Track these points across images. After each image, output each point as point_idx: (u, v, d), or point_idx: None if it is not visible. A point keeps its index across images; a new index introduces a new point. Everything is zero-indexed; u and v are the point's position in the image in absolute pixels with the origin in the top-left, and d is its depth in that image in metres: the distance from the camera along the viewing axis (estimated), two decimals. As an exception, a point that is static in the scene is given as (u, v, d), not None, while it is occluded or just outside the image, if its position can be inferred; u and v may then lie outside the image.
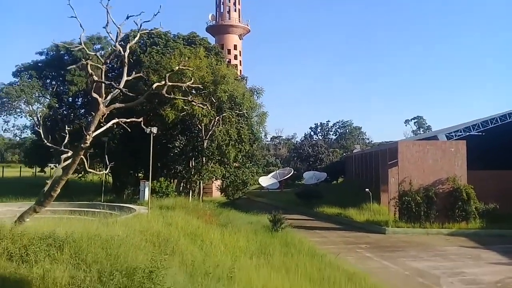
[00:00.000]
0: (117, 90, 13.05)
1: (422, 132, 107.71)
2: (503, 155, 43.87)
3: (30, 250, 12.19)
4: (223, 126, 37.63)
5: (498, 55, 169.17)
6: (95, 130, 13.55)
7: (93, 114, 14.21)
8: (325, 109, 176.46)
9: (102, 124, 13.76)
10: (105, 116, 13.47)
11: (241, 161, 42.61)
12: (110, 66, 47.99)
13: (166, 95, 13.51)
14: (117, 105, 12.67)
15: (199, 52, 38.36)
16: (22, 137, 51.87)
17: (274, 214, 28.87)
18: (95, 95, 12.54)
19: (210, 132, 36.99)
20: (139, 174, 44.98)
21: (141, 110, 37.93)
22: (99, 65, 12.54)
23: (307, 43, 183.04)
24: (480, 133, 41.67)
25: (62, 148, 14.03)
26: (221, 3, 77.88)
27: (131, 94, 11.95)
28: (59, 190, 14.20)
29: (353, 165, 72.26)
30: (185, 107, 31.46)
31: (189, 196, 37.55)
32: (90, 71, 12.00)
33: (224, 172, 40.42)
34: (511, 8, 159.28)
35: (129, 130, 16.23)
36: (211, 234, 22.69)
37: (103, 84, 12.81)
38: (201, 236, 21.97)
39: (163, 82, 12.77)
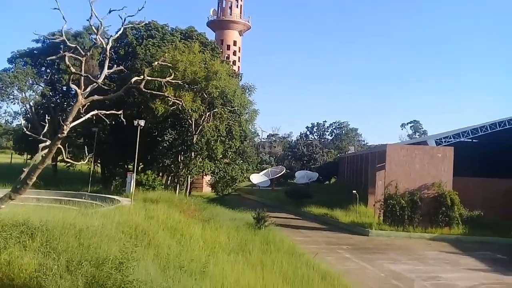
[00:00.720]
0: (95, 83, 13.18)
1: (417, 137, 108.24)
2: (492, 163, 44.25)
3: (1, 237, 12.34)
4: (213, 122, 37.79)
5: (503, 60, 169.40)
6: (73, 121, 13.69)
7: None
8: (322, 109, 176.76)
9: (81, 115, 13.91)
10: (85, 107, 13.63)
11: (231, 157, 42.74)
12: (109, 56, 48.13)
13: (143, 89, 13.65)
14: (96, 97, 12.81)
15: (194, 47, 38.47)
16: (14, 124, 51.93)
17: (258, 212, 29.05)
18: (73, 86, 12.71)
19: (200, 127, 37.15)
20: (129, 166, 45.10)
21: (132, 102, 38.08)
22: (79, 57, 12.69)
23: (308, 42, 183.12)
24: (471, 140, 42.00)
25: (41, 137, 14.18)
26: (223, -2, 77.86)
27: (106, 88, 12.09)
28: (35, 178, 14.35)
29: (345, 166, 72.55)
30: (175, 101, 31.55)
31: (176, 190, 37.72)
32: (67, 63, 12.16)
33: (213, 168, 40.59)
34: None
35: (124, 122, 16.39)
36: (192, 228, 22.87)
37: (82, 77, 12.95)
38: (181, 230, 22.14)
39: (142, 77, 12.92)
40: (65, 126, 13.28)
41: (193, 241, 21.16)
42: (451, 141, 40.04)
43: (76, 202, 26.73)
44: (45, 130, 14.98)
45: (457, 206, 35.08)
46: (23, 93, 43.30)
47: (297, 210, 46.50)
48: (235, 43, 76.57)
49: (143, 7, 13.66)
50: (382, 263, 24.96)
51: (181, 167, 38.00)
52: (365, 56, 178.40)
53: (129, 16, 12.71)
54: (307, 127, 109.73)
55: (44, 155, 14.14)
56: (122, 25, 14.02)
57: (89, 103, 13.45)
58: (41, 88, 45.73)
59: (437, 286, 20.81)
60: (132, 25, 34.35)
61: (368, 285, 20.01)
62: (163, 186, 36.97)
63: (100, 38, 12.58)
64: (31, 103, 43.04)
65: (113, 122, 35.24)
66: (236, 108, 38.39)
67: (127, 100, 37.06)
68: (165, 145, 37.07)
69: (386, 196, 36.03)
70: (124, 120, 14.93)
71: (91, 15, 12.46)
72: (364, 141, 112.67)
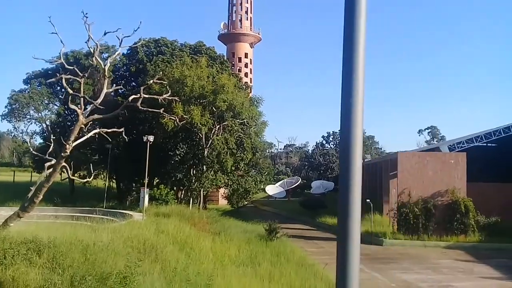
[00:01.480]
0: (96, 102, 13.57)
1: (435, 142, 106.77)
2: (509, 167, 43.42)
3: (8, 254, 12.72)
4: (223, 134, 38.18)
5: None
6: (75, 140, 14.09)
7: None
8: (338, 118, 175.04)
9: (85, 133, 14.31)
10: (88, 126, 14.04)
11: (243, 169, 43.01)
12: (119, 74, 49.19)
13: (140, 107, 14.05)
14: (96, 116, 13.26)
15: (201, 62, 39.06)
16: (32, 143, 53.12)
17: (269, 223, 29.12)
18: (73, 106, 13.18)
19: (210, 141, 37.57)
20: (144, 181, 45.71)
21: (143, 118, 38.72)
22: (77, 78, 13.14)
23: (320, 50, 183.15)
24: (486, 144, 41.40)
25: (46, 157, 14.65)
26: (233, 12, 78.78)
27: (102, 108, 12.61)
28: (41, 196, 14.79)
29: (362, 175, 71.88)
30: (184, 116, 32.12)
31: (189, 204, 38.07)
32: (65, 85, 12.62)
33: (226, 180, 40.86)
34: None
35: (126, 139, 16.80)
36: (202, 242, 23.08)
37: (82, 98, 13.37)
38: (191, 243, 22.36)
39: (138, 95, 13.31)
40: (67, 145, 13.69)
41: (202, 254, 21.35)
42: (464, 146, 39.51)
43: (90, 218, 27.30)
44: (50, 149, 15.40)
45: (472, 213, 34.46)
46: (39, 113, 44.44)
47: (312, 221, 46.28)
48: (246, 55, 77.24)
49: (138, 27, 14.12)
50: (394, 273, 24.70)
51: (193, 181, 38.39)
52: (380, 62, 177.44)
53: (125, 36, 13.17)
54: (323, 136, 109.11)
55: (48, 174, 14.55)
56: (119, 46, 14.41)
57: (97, 120, 13.85)
58: (56, 107, 46.85)
59: (448, 295, 20.52)
60: (141, 42, 35.09)
61: (377, 295, 19.86)
62: (176, 200, 37.37)
63: (98, 59, 13.02)
64: (47, 122, 44.08)
65: (126, 139, 35.91)
66: (245, 120, 38.73)
67: (138, 116, 37.73)
68: (177, 159, 37.55)
69: (399, 204, 35.66)
70: (126, 137, 15.35)
71: (88, 38, 12.96)
72: (381, 148, 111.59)
